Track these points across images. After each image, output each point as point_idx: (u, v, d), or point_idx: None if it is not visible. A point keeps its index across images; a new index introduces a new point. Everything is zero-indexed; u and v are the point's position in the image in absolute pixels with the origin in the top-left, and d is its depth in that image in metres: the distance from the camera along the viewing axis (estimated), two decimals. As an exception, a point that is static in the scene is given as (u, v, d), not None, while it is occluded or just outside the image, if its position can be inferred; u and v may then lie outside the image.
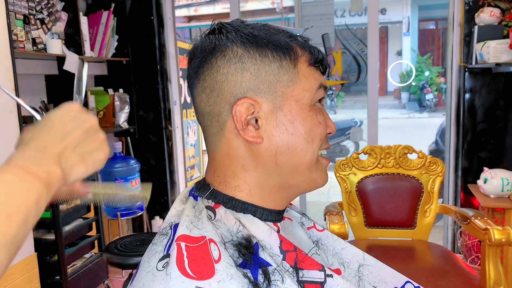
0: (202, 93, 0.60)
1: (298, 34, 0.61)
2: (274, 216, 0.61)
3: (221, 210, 0.58)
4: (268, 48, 0.58)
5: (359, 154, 2.11)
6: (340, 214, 1.89)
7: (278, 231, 0.60)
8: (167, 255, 0.51)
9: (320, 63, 0.61)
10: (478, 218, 1.70)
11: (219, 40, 0.58)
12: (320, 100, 0.62)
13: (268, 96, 0.57)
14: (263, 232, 0.57)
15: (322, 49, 3.06)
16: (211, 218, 0.57)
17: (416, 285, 0.69)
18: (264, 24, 0.60)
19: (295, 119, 0.58)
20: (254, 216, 0.59)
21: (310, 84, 0.59)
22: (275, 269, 0.53)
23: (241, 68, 0.57)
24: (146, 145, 3.01)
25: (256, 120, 0.57)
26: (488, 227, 1.59)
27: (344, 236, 1.69)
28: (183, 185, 3.16)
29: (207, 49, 0.59)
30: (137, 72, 2.89)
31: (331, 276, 0.57)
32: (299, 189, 0.63)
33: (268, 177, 0.60)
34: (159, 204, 3.08)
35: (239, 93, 0.57)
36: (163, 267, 0.50)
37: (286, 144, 0.58)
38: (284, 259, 0.56)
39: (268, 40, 0.58)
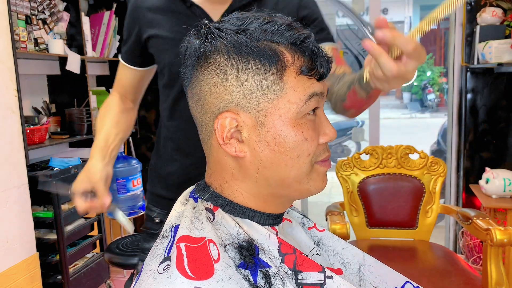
0: (191, 99, 0.59)
1: (301, 38, 0.55)
2: (272, 220, 0.61)
3: (220, 213, 0.58)
4: (252, 58, 0.54)
5: (360, 154, 2.11)
6: (341, 214, 1.89)
7: (276, 234, 0.60)
8: (168, 258, 0.51)
9: (316, 70, 0.56)
10: (480, 218, 1.69)
11: (204, 47, 0.56)
12: (314, 110, 0.58)
13: (251, 110, 0.55)
14: (261, 235, 0.57)
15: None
16: (211, 219, 0.57)
17: (416, 285, 0.69)
18: (262, 24, 0.55)
19: (278, 135, 0.55)
20: (252, 220, 0.59)
21: (298, 96, 0.55)
22: (276, 273, 0.53)
23: (223, 80, 0.54)
24: (147, 145, 3.01)
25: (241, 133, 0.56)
26: (490, 227, 1.59)
27: (345, 236, 1.69)
28: (184, 185, 3.16)
29: (193, 55, 0.57)
30: (138, 72, 2.88)
31: (331, 277, 0.57)
32: (292, 198, 0.62)
33: (259, 187, 0.59)
34: (161, 204, 3.08)
35: (222, 105, 0.55)
36: (163, 269, 0.50)
37: (269, 159, 0.56)
38: (282, 261, 0.56)
39: (254, 49, 0.54)
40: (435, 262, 1.84)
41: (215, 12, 0.96)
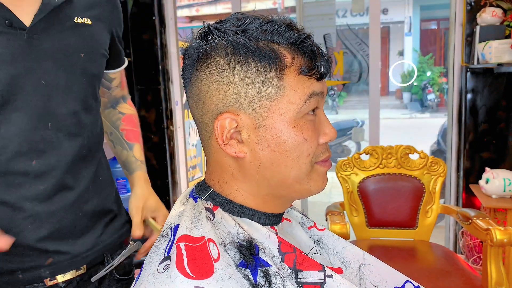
0: (191, 99, 0.60)
1: (301, 39, 0.55)
2: (272, 219, 0.61)
3: (220, 212, 0.58)
4: (252, 59, 0.54)
5: (360, 154, 2.11)
6: (341, 214, 1.89)
7: (276, 233, 0.60)
8: (168, 257, 0.51)
9: (316, 70, 0.56)
10: (480, 218, 1.69)
11: (203, 48, 0.56)
12: (314, 110, 0.58)
13: (250, 110, 0.55)
14: (261, 235, 0.57)
15: (323, 49, 3.04)
16: (210, 219, 0.57)
17: (416, 284, 0.69)
18: (262, 24, 0.56)
19: (278, 135, 0.55)
20: (251, 220, 0.59)
21: (298, 96, 0.55)
22: (276, 272, 0.53)
23: (223, 80, 0.55)
24: (147, 145, 3.01)
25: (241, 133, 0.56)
26: (490, 227, 1.59)
27: (345, 236, 1.69)
28: (184, 185, 3.17)
29: (193, 56, 0.57)
30: (138, 73, 2.89)
31: (331, 276, 0.57)
32: (292, 198, 0.62)
33: (258, 187, 0.59)
34: (161, 204, 3.08)
35: (222, 106, 0.55)
36: (163, 269, 0.50)
37: (269, 160, 0.56)
38: (283, 260, 0.56)
39: (253, 49, 0.54)
40: (435, 262, 1.84)
41: (23, 15, 0.80)
